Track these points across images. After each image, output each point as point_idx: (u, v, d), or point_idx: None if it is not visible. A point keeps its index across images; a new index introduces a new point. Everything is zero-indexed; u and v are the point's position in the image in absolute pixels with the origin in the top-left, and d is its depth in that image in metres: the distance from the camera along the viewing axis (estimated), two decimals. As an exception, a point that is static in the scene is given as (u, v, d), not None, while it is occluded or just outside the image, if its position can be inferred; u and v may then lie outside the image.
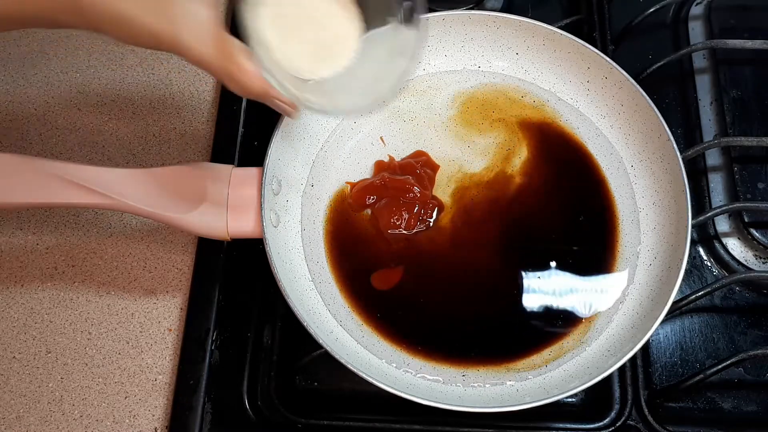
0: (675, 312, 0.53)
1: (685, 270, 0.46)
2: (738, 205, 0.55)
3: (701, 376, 0.50)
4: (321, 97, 0.42)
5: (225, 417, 0.51)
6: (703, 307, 0.55)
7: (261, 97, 0.40)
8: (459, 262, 0.52)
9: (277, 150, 0.50)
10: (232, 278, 0.55)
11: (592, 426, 0.50)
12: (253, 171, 0.50)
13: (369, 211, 0.53)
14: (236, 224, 0.48)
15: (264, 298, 0.54)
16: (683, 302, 0.52)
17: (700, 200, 0.57)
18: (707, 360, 0.53)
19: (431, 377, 0.48)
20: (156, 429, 0.52)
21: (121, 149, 0.61)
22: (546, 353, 0.49)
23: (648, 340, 0.45)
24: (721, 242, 0.56)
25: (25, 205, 0.47)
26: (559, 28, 0.54)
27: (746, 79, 0.61)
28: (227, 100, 0.61)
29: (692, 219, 0.48)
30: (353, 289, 0.51)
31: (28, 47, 0.65)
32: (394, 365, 0.49)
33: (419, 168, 0.53)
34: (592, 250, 0.52)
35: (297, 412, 0.51)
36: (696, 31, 0.64)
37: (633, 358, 0.51)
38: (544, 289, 0.51)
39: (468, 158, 0.55)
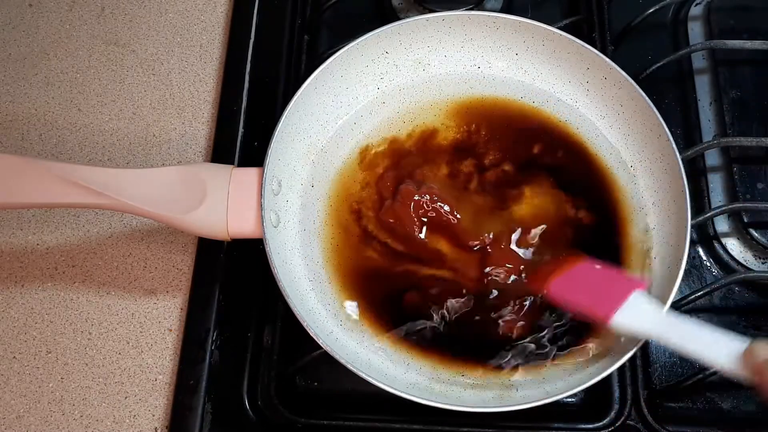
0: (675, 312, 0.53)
1: (685, 270, 0.46)
2: (737, 205, 0.55)
3: (700, 375, 0.50)
4: None
5: (225, 417, 0.51)
6: (702, 307, 0.55)
7: None
8: (459, 264, 0.52)
9: (277, 150, 0.50)
10: (232, 278, 0.55)
11: (591, 426, 0.50)
12: (253, 171, 0.50)
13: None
14: (236, 224, 0.48)
15: (264, 298, 0.54)
16: (683, 302, 0.52)
17: (700, 200, 0.58)
18: (707, 360, 0.53)
19: (431, 377, 0.48)
20: (156, 429, 0.52)
21: (121, 149, 0.61)
22: (545, 352, 0.49)
23: (647, 340, 0.45)
24: (720, 242, 0.56)
25: (26, 205, 0.47)
26: (559, 28, 0.54)
27: (746, 79, 0.61)
28: (227, 100, 0.61)
29: (692, 219, 0.48)
30: (353, 289, 0.51)
31: (28, 47, 0.65)
32: (394, 365, 0.49)
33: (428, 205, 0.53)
34: (591, 250, 0.52)
35: (297, 412, 0.51)
36: (695, 31, 0.64)
37: (633, 358, 0.51)
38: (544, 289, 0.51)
39: (467, 158, 0.55)
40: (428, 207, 0.52)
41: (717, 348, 0.35)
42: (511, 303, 0.50)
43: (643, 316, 0.40)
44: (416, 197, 0.52)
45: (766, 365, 0.31)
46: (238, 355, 0.53)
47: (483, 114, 0.57)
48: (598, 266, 0.47)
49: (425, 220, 0.52)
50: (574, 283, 0.45)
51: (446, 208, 0.52)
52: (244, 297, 0.55)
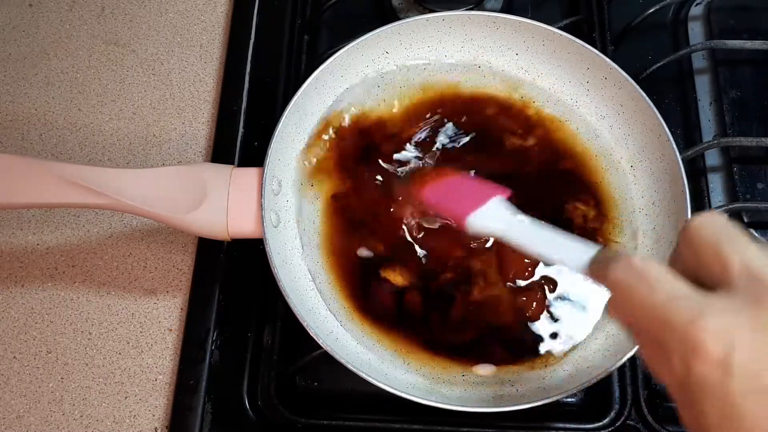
0: (674, 312, 0.53)
1: (685, 270, 0.46)
2: (737, 205, 0.55)
3: (701, 376, 0.50)
4: None
5: (225, 417, 0.51)
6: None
7: None
8: (459, 264, 0.52)
9: (277, 150, 0.50)
10: (232, 278, 0.55)
11: (591, 426, 0.50)
12: (253, 171, 0.50)
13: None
14: (236, 224, 0.48)
15: (264, 298, 0.54)
16: (683, 302, 0.52)
17: (700, 200, 0.58)
18: (707, 360, 0.53)
19: (431, 377, 0.48)
20: (156, 429, 0.52)
21: (121, 149, 0.61)
22: (545, 353, 0.49)
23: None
24: (720, 242, 0.56)
25: (26, 206, 0.47)
26: (559, 28, 0.54)
27: (746, 79, 0.61)
28: (227, 100, 0.61)
29: (692, 219, 0.48)
30: (353, 289, 0.51)
31: (28, 47, 0.65)
32: (394, 365, 0.49)
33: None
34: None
35: (297, 412, 0.51)
36: (695, 31, 0.64)
37: (633, 358, 0.51)
38: (544, 289, 0.51)
39: (467, 156, 0.55)
40: (427, 208, 0.52)
41: (568, 252, 0.35)
42: (518, 301, 0.50)
43: (498, 218, 0.41)
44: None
45: (609, 273, 0.31)
46: (238, 355, 0.53)
47: (483, 113, 0.57)
48: (470, 180, 0.50)
49: (423, 220, 0.52)
50: (445, 192, 0.47)
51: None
52: (244, 297, 0.55)
